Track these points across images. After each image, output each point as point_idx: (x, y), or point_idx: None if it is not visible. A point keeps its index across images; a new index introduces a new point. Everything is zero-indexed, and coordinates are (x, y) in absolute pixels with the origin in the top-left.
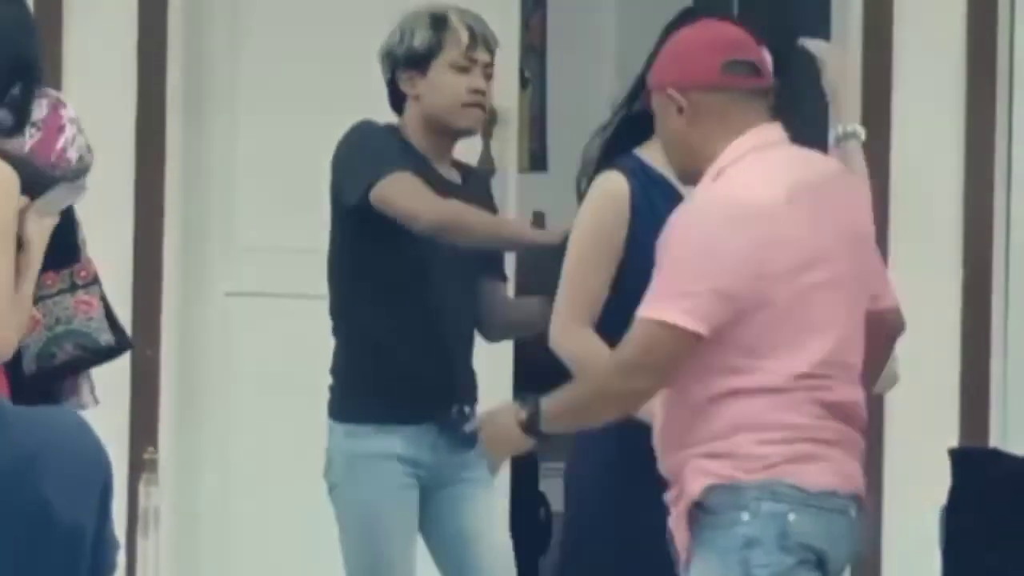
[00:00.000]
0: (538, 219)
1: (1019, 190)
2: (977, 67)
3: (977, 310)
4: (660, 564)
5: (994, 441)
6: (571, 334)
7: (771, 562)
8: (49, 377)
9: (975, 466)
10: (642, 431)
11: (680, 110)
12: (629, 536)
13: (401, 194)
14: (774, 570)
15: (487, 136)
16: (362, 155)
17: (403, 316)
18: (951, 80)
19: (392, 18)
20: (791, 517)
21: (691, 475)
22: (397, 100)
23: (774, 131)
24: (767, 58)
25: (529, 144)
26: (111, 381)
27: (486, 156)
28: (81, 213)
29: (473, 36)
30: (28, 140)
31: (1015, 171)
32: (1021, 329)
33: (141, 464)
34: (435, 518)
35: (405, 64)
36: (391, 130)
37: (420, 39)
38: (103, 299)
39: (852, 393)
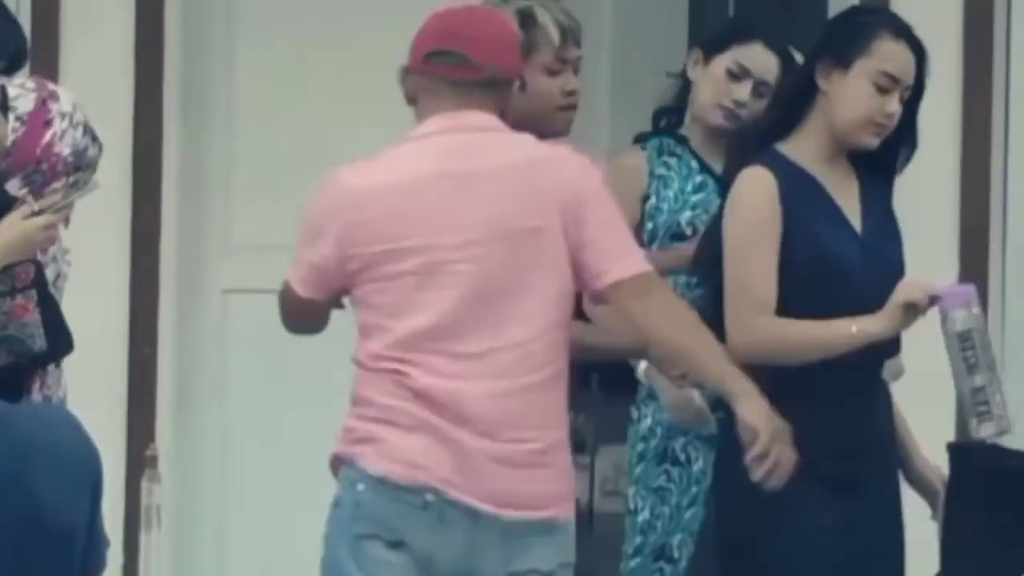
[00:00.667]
0: None
1: (1016, 193)
2: (973, 68)
3: None
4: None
5: None
6: (752, 330)
7: (342, 524)
8: None
9: (973, 461)
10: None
11: None
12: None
13: None
14: (344, 533)
15: None
16: None
17: None
18: (947, 81)
19: (386, 16)
20: (359, 487)
21: None
22: None
23: (458, 119)
24: (486, 50)
25: None
26: (108, 378)
27: None
28: (78, 212)
29: (564, 34)
30: (11, 135)
31: (1011, 174)
32: (1016, 328)
33: (138, 461)
34: None
35: None
36: None
37: None
38: (43, 302)
39: (450, 383)
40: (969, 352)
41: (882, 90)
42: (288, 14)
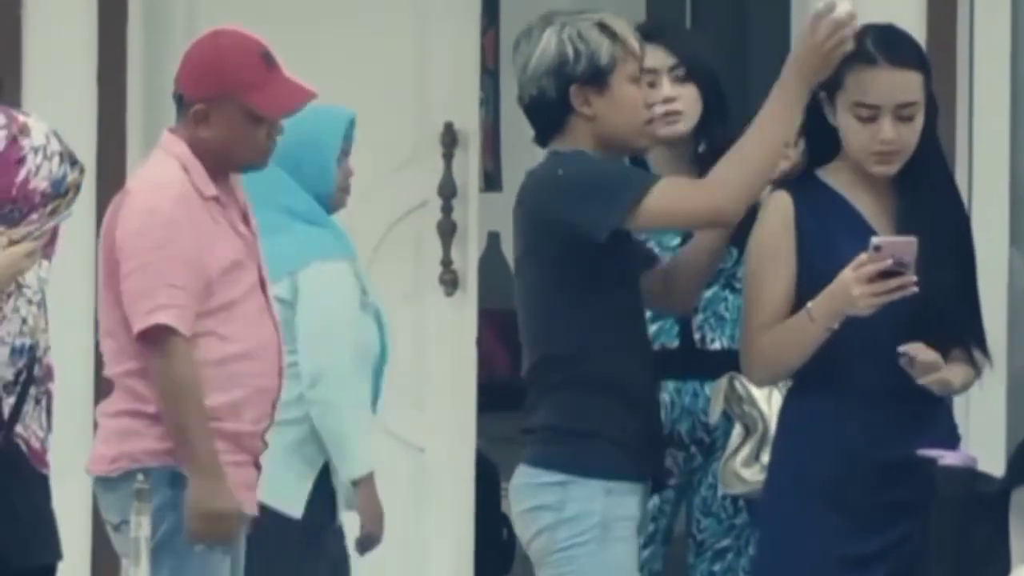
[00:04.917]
0: (493, 239)
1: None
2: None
3: None
4: None
5: None
6: (758, 347)
7: None
8: None
9: (953, 485)
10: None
11: None
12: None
13: None
14: None
15: (448, 157)
16: None
17: (640, 354)
18: None
19: (335, 26)
20: None
21: None
22: (557, 120)
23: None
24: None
25: (483, 164)
26: (76, 403)
27: (447, 178)
28: None
29: (642, 44)
30: None
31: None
32: None
33: None
34: None
35: (584, 80)
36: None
37: (606, 52)
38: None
39: None
40: None
41: (864, 120)
42: (250, 26)
